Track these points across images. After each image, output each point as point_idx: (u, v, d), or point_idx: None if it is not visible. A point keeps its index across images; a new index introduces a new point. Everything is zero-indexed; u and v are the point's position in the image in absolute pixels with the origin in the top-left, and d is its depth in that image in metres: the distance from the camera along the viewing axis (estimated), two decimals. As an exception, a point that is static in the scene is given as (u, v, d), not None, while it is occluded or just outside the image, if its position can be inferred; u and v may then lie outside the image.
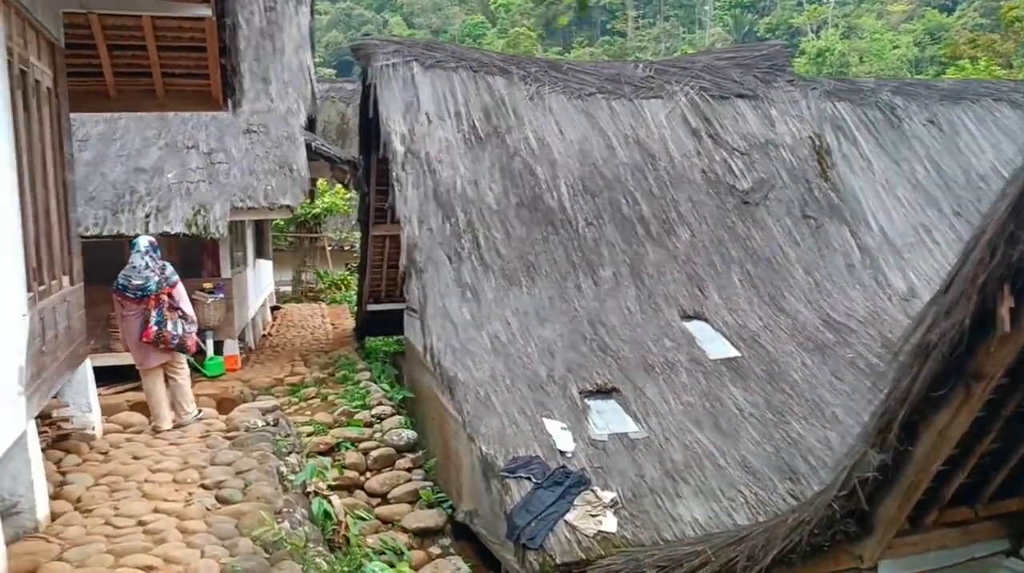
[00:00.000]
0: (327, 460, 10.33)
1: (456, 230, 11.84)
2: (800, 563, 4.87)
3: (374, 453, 11.46)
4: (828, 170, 14.31)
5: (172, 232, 13.03)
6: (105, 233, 12.87)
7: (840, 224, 13.60)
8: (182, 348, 8.89)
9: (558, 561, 7.69)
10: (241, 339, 15.99)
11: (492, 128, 13.13)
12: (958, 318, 3.58)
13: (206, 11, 7.07)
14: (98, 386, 8.61)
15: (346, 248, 27.69)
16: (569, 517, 8.12)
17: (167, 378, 8.99)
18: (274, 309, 22.98)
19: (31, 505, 5.74)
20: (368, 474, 11.22)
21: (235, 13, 7.49)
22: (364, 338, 18.39)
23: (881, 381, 10.38)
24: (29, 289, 5.90)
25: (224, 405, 11.12)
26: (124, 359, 11.61)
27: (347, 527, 7.27)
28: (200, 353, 12.46)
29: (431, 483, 11.12)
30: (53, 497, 6.31)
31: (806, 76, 18.12)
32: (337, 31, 70.86)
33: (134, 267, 8.66)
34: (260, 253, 20.51)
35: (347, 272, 26.90)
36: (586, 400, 9.96)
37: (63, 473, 6.92)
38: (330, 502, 7.29)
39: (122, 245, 13.16)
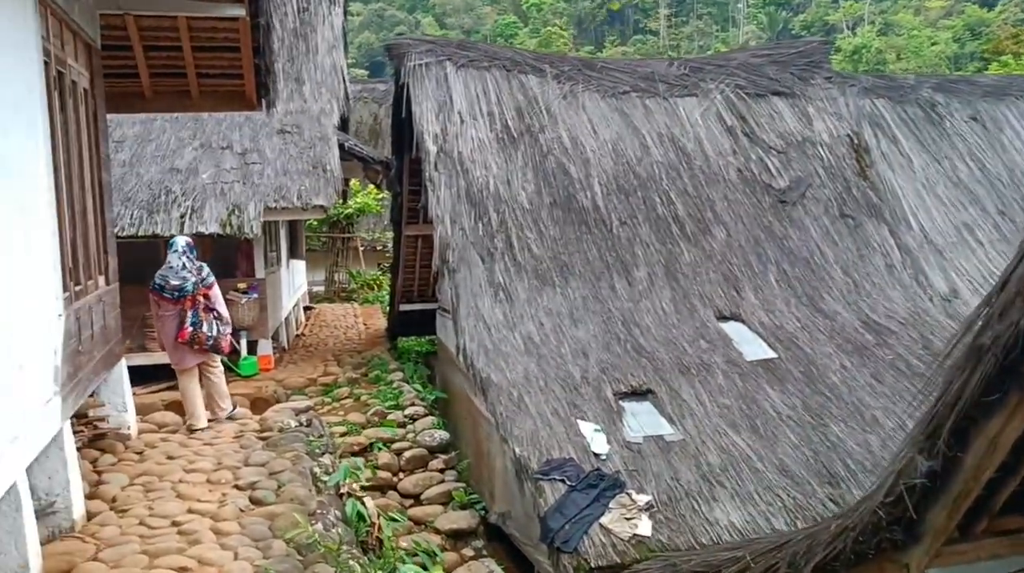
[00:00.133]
0: (360, 460, 10.32)
1: (489, 230, 11.78)
2: (844, 571, 4.73)
3: (407, 454, 11.43)
4: (867, 168, 14.06)
5: (207, 232, 13.11)
6: (141, 233, 12.98)
7: (879, 223, 13.35)
8: (216, 349, 8.92)
9: (593, 565, 7.61)
10: (275, 339, 16.06)
11: (525, 127, 13.06)
12: (1013, 319, 3.43)
13: (240, 11, 7.07)
14: (133, 385, 8.65)
15: (379, 248, 27.77)
16: (604, 520, 8.03)
17: (202, 376, 9.03)
18: (307, 309, 23.08)
19: (67, 504, 5.75)
20: (401, 475, 11.20)
21: (268, 13, 7.49)
22: (396, 338, 18.40)
23: (923, 383, 10.20)
24: (65, 289, 5.91)
25: (258, 405, 11.17)
26: (159, 359, 11.69)
27: (380, 529, 7.23)
28: (234, 353, 12.52)
29: (464, 484, 11.08)
30: (89, 496, 6.32)
31: (844, 73, 17.84)
32: (369, 32, 71.19)
33: (171, 267, 8.69)
34: (293, 253, 20.60)
35: (379, 272, 26.97)
36: (620, 402, 9.86)
37: (99, 472, 6.95)
38: (363, 503, 7.26)
39: (158, 245, 13.25)
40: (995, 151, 15.15)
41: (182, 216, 13.30)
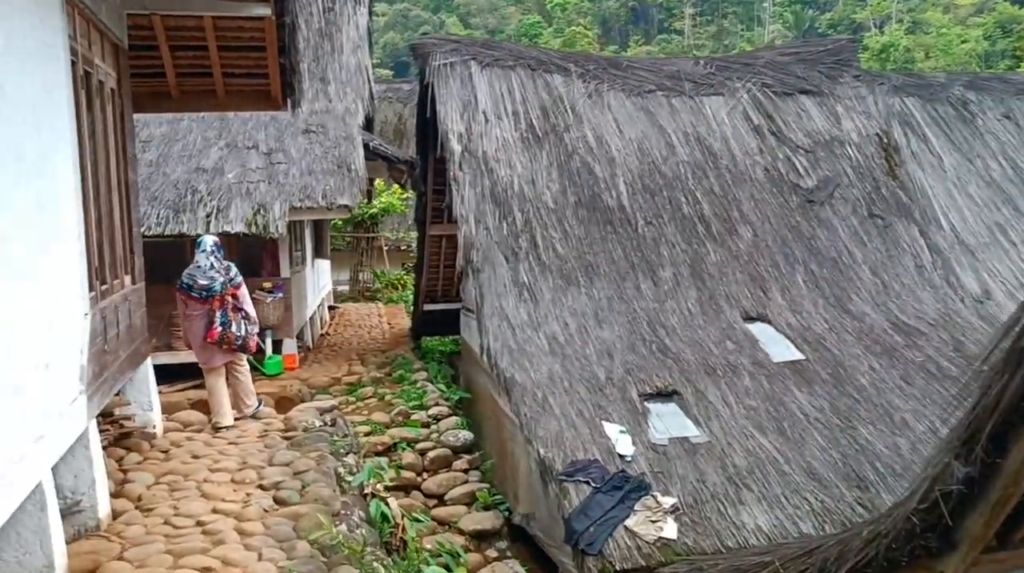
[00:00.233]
0: (384, 460, 10.31)
1: (513, 229, 11.74)
2: (875, 578, 4.63)
3: (431, 454, 11.41)
4: (896, 168, 13.88)
5: (232, 232, 13.16)
6: (167, 232, 13.05)
7: (909, 223, 13.17)
8: (244, 349, 8.96)
9: (618, 567, 7.54)
10: (299, 338, 16.10)
11: (550, 126, 13.01)
12: (1054, 322, 3.34)
13: (265, 10, 7.07)
14: (159, 384, 8.69)
15: (403, 248, 27.80)
16: (629, 523, 7.96)
17: (229, 374, 9.07)
18: (331, 308, 23.15)
19: (92, 503, 5.76)
20: (425, 475, 11.18)
21: (294, 13, 7.48)
22: (420, 338, 18.40)
23: (955, 386, 10.04)
24: (91, 288, 5.93)
25: (283, 404, 11.18)
26: (185, 357, 11.74)
27: (404, 529, 7.20)
28: (259, 352, 12.56)
29: (488, 485, 11.03)
30: (114, 495, 6.34)
31: (873, 71, 17.63)
32: (394, 32, 71.39)
33: (199, 267, 8.71)
34: (318, 253, 20.66)
35: (404, 272, 27.00)
36: (646, 403, 9.78)
37: (124, 471, 6.97)
38: (387, 504, 7.23)
39: (184, 244, 13.34)
40: (1029, 150, 14.90)
41: (208, 215, 13.35)
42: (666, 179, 12.90)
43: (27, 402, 4.50)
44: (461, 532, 9.92)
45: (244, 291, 9.02)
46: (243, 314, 8.86)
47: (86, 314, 5.72)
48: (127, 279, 7.30)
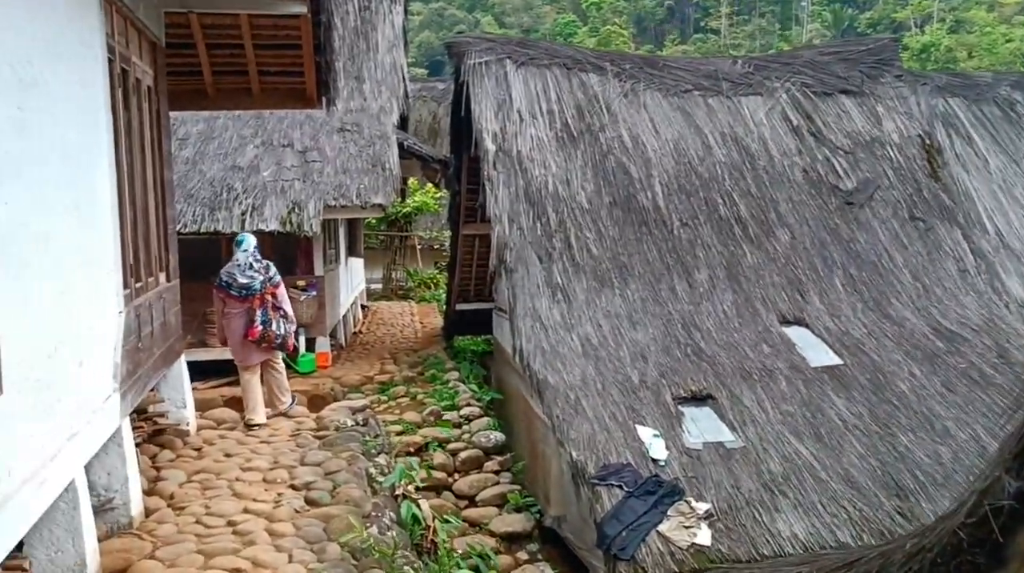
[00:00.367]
0: (415, 460, 10.27)
1: (547, 230, 11.66)
2: (918, 593, 4.49)
3: (462, 454, 11.36)
4: (939, 169, 13.60)
5: (267, 230, 13.19)
6: (202, 230, 13.11)
7: (952, 226, 12.90)
8: (283, 347, 9.03)
9: (650, 574, 7.44)
10: (332, 336, 16.13)
11: (585, 126, 12.91)
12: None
13: (301, 8, 7.07)
14: (193, 381, 8.72)
15: (436, 247, 27.81)
16: (662, 528, 7.86)
17: (264, 372, 9.11)
18: (363, 307, 23.20)
19: (125, 501, 5.77)
20: (456, 476, 11.13)
21: (330, 11, 7.46)
22: (452, 337, 18.36)
23: (999, 394, 9.80)
24: (126, 286, 5.94)
25: (315, 402, 11.19)
26: (219, 354, 11.82)
27: (435, 532, 7.14)
28: (293, 350, 12.59)
29: (519, 486, 10.96)
30: (147, 493, 6.35)
31: (916, 71, 17.32)
32: (430, 31, 71.57)
33: (238, 265, 8.74)
34: (352, 251, 20.71)
35: (436, 271, 27.01)
36: (680, 407, 9.66)
37: (157, 468, 6.99)
38: (418, 506, 7.18)
39: (219, 242, 13.42)
40: (1078, 152, 14.53)
41: (243, 213, 13.40)
42: (702, 180, 12.75)
43: (60, 400, 4.50)
44: (492, 534, 9.86)
45: (283, 290, 9.07)
46: (282, 313, 8.90)
47: (120, 312, 5.73)
48: (162, 277, 7.32)
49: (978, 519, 4.00)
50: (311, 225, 13.48)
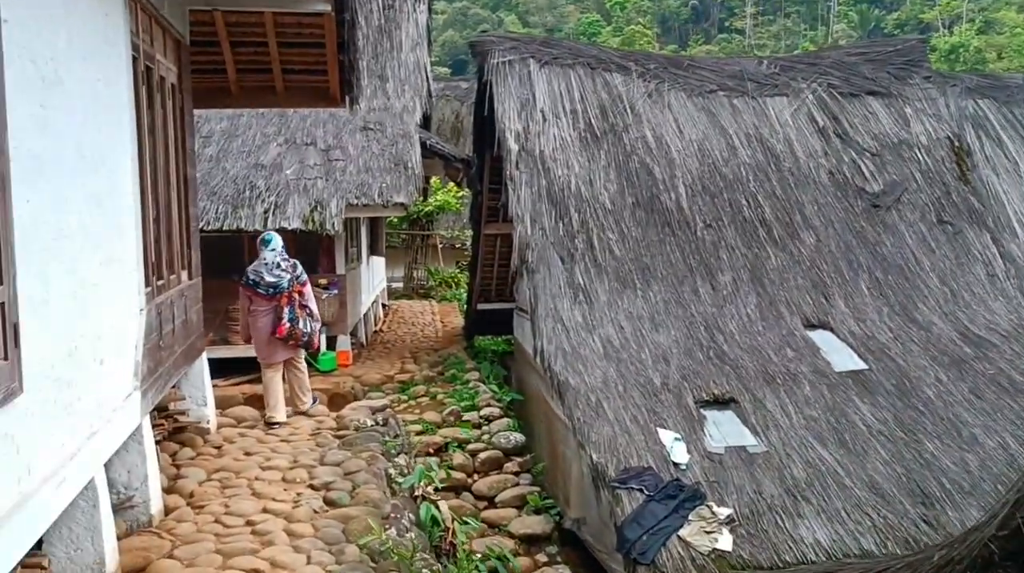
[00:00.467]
0: (435, 461, 10.25)
1: (569, 230, 11.59)
2: (946, 605, 4.40)
3: (482, 455, 11.31)
4: (968, 172, 13.40)
5: (289, 228, 13.21)
6: (225, 228, 13.15)
7: (981, 230, 12.71)
8: (309, 345, 9.10)
9: (670, 579, 7.36)
10: (353, 335, 16.15)
11: (608, 126, 12.83)
12: None
13: (325, 6, 7.05)
14: (214, 378, 8.73)
15: (457, 246, 27.82)
16: (682, 533, 7.77)
17: (286, 370, 9.14)
18: (384, 306, 23.22)
19: (145, 499, 5.77)
20: (475, 476, 11.08)
21: (354, 9, 7.44)
22: (473, 337, 18.33)
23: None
24: (147, 284, 5.94)
25: (335, 401, 11.18)
26: (241, 352, 11.84)
27: (454, 533, 7.11)
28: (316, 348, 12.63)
29: (538, 488, 10.89)
30: (167, 490, 6.36)
31: (945, 72, 17.09)
32: (453, 30, 71.61)
33: (265, 263, 8.79)
34: (374, 250, 20.73)
35: (458, 270, 27.01)
36: (702, 410, 9.56)
37: (177, 466, 7.00)
38: (438, 507, 7.14)
39: (241, 240, 13.46)
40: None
41: (265, 211, 13.42)
42: (727, 181, 12.64)
43: (81, 398, 4.50)
44: (511, 536, 9.80)
45: (309, 289, 9.14)
46: (308, 311, 8.96)
47: (141, 310, 5.73)
48: (183, 274, 7.33)
49: (1010, 532, 3.92)
50: (333, 224, 13.49)
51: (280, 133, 15.30)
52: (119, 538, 5.19)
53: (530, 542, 9.80)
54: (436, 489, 7.94)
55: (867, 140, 13.56)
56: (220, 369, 11.05)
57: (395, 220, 24.46)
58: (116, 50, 5.37)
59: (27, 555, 3.93)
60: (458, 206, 25.70)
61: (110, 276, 5.14)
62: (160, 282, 6.39)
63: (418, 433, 11.42)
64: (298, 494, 6.49)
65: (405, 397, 13.32)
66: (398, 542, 5.65)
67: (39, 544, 4.44)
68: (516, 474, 11.15)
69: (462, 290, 23.78)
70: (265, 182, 14.03)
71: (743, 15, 77.82)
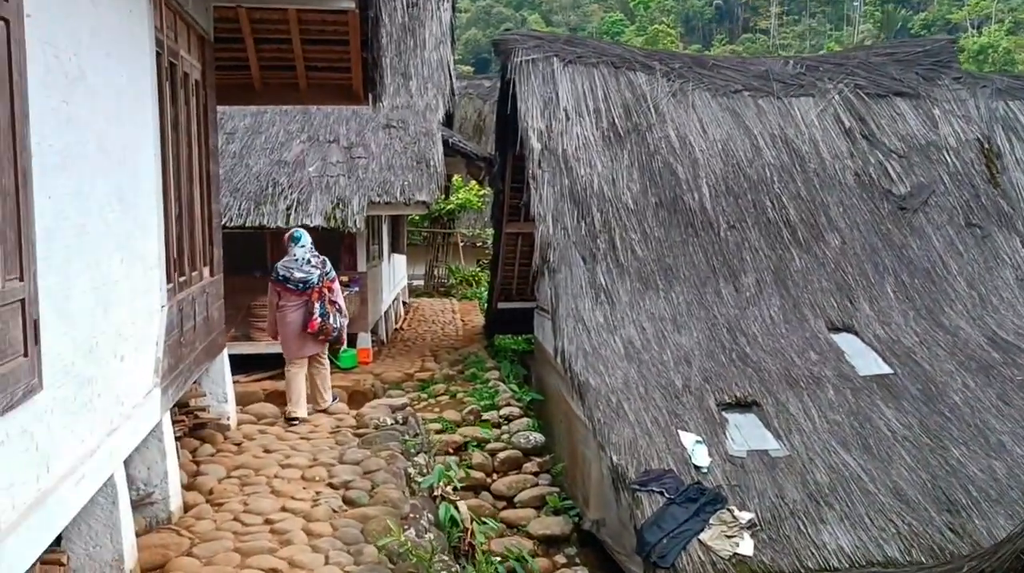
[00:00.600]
0: (454, 460, 10.21)
1: (592, 230, 11.52)
2: (975, 617, 4.32)
3: (501, 455, 11.27)
4: (998, 175, 13.21)
5: (311, 225, 13.22)
6: (247, 224, 13.18)
7: (1011, 234, 12.51)
8: (339, 340, 9.27)
9: (691, 584, 7.29)
10: (374, 332, 16.15)
11: (632, 125, 12.74)
12: None
13: (349, 3, 7.04)
14: (236, 374, 8.76)
15: (478, 244, 27.80)
16: (703, 537, 7.70)
17: (309, 366, 9.21)
18: (405, 303, 23.23)
19: (164, 496, 5.77)
20: (495, 476, 11.04)
21: (377, 7, 7.43)
22: (493, 335, 18.28)
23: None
24: (169, 280, 5.94)
25: (355, 398, 11.17)
26: (264, 348, 11.87)
27: (473, 534, 7.07)
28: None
29: (558, 488, 10.84)
30: (187, 487, 6.36)
31: (975, 73, 16.85)
32: (476, 29, 71.64)
33: (296, 260, 8.89)
34: (395, 247, 20.73)
35: (478, 268, 26.99)
36: (724, 413, 9.47)
37: (197, 463, 7.00)
38: (457, 508, 7.10)
39: (264, 236, 13.49)
40: None
41: (288, 208, 13.44)
42: (751, 182, 12.52)
43: (101, 395, 4.49)
44: (530, 536, 9.75)
45: (338, 285, 9.28)
46: (337, 307, 9.10)
47: (163, 306, 5.73)
48: (206, 271, 7.33)
49: (1042, 544, 3.83)
50: (355, 221, 13.49)
51: (303, 130, 15.31)
52: (138, 535, 5.19)
53: (549, 543, 9.75)
54: (455, 489, 7.89)
55: (894, 141, 13.39)
56: (242, 365, 11.08)
57: (417, 218, 24.48)
58: (140, 45, 5.37)
59: (46, 551, 3.93)
60: (480, 204, 25.67)
61: (131, 272, 5.13)
62: (182, 279, 6.39)
63: (437, 432, 11.39)
64: (317, 493, 6.47)
65: (425, 395, 13.29)
66: (417, 544, 5.62)
67: (58, 540, 4.45)
68: (535, 474, 11.10)
69: (483, 288, 23.74)
70: (288, 179, 14.05)
71: (767, 15, 77.37)
